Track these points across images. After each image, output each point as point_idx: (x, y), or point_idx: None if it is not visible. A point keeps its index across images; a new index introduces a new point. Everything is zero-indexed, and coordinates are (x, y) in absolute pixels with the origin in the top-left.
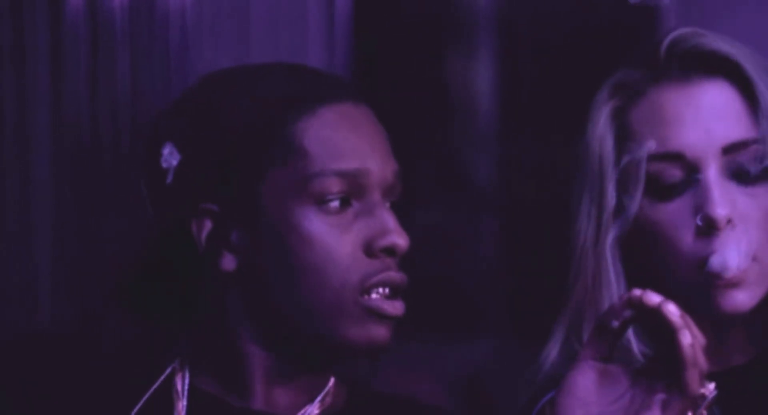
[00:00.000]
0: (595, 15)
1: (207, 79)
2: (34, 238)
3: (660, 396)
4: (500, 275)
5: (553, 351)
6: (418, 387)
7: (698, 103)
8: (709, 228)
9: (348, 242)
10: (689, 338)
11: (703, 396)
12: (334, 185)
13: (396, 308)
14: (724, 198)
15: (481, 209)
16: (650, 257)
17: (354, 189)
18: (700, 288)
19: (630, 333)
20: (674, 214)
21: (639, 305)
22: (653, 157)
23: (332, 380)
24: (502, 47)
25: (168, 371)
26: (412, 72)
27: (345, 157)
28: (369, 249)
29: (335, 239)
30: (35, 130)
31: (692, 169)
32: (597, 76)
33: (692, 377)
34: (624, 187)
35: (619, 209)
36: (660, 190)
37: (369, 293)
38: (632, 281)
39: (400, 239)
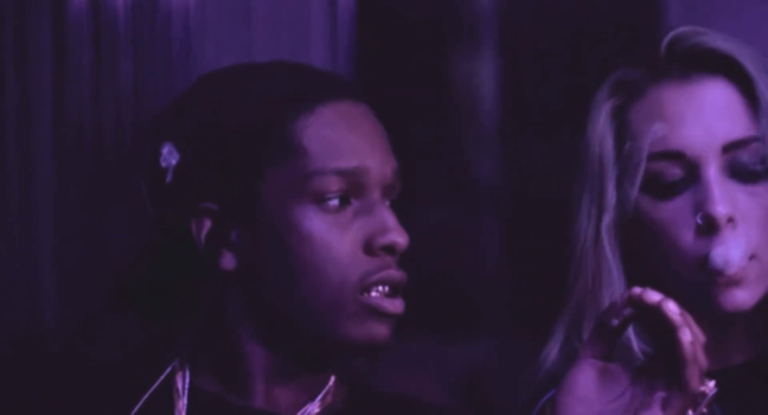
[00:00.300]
0: (597, 15)
1: (206, 79)
2: (37, 237)
3: (660, 394)
4: (502, 274)
5: (553, 350)
6: (419, 386)
7: (698, 102)
8: (709, 227)
9: (347, 240)
10: (689, 335)
11: (704, 394)
12: (334, 184)
13: (396, 306)
14: (724, 196)
15: (484, 208)
16: (650, 255)
17: (353, 187)
18: (700, 287)
19: (630, 331)
20: (674, 212)
21: (639, 303)
22: (653, 156)
23: (333, 379)
24: (504, 47)
25: (168, 370)
26: (415, 71)
27: (344, 155)
28: (369, 247)
29: (335, 237)
30: (38, 129)
31: (692, 168)
32: (599, 76)
33: (692, 374)
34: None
35: (620, 205)
36: (660, 189)
37: (369, 291)
38: (632, 280)
39: (399, 237)
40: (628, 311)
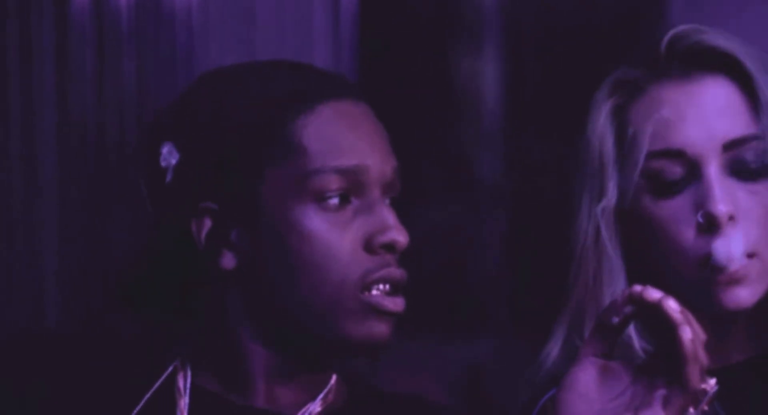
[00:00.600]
0: (599, 13)
1: (205, 78)
2: (40, 237)
3: (661, 392)
4: (504, 273)
5: (554, 349)
6: (419, 386)
7: (699, 100)
8: (710, 225)
9: (348, 238)
10: (690, 333)
11: (704, 392)
12: (334, 182)
13: (396, 304)
14: (725, 195)
15: (486, 207)
16: (651, 254)
17: (353, 186)
18: (701, 285)
19: (631, 329)
20: (675, 211)
21: (639, 301)
22: (654, 154)
23: (334, 378)
24: (507, 46)
25: (170, 369)
26: (418, 70)
27: (344, 154)
28: (369, 246)
29: (335, 236)
30: (41, 129)
31: (693, 166)
32: (602, 75)
33: (693, 372)
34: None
35: (620, 204)
36: (661, 188)
37: (369, 290)
38: (633, 278)
39: (399, 236)
40: (628, 309)
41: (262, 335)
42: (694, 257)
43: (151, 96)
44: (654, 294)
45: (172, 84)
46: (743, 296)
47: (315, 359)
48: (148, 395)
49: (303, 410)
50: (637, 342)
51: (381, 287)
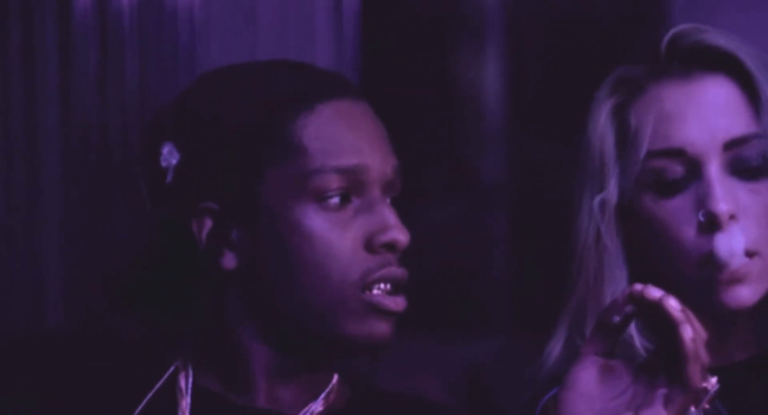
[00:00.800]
0: (601, 13)
1: (205, 78)
2: (42, 237)
3: (662, 391)
4: (507, 272)
5: (555, 348)
6: (420, 385)
7: (699, 100)
8: (711, 224)
9: (348, 238)
10: (690, 332)
11: (705, 390)
12: (334, 182)
13: (398, 303)
14: (726, 194)
15: (489, 206)
16: (652, 253)
17: (353, 185)
18: (702, 284)
19: (632, 328)
20: (676, 210)
21: (640, 300)
22: (655, 154)
23: (335, 378)
24: (509, 45)
25: (171, 369)
26: (420, 70)
27: (344, 153)
28: (370, 245)
29: (335, 235)
30: (44, 128)
31: (694, 166)
32: (603, 74)
33: (694, 371)
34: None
35: (621, 203)
36: (662, 187)
37: (370, 289)
38: (634, 278)
39: (400, 235)
40: (629, 308)
41: (263, 335)
42: (695, 256)
43: (153, 95)
44: (655, 293)
45: (174, 83)
46: (744, 295)
47: (316, 359)
48: (149, 395)
49: (304, 410)
50: (638, 341)
51: (382, 286)
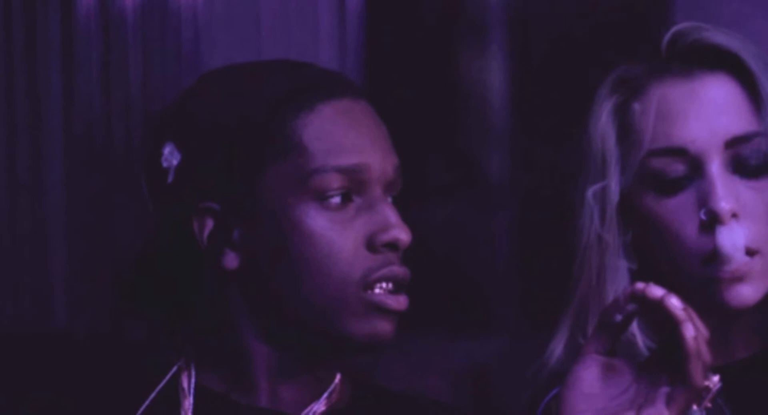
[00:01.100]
0: (606, 12)
1: (205, 79)
2: (47, 238)
3: (664, 389)
4: (512, 271)
5: (558, 347)
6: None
7: (700, 98)
8: (713, 222)
9: (350, 237)
10: (692, 330)
11: (708, 389)
12: (335, 181)
13: (399, 302)
14: (727, 192)
15: (494, 205)
16: (654, 251)
17: (354, 184)
18: (705, 282)
19: (635, 327)
20: (678, 208)
21: (642, 299)
22: (656, 152)
23: (338, 377)
24: (514, 44)
25: (174, 369)
26: (424, 70)
27: (345, 152)
28: (371, 244)
29: (337, 234)
30: (48, 128)
31: (695, 164)
32: (608, 73)
33: (696, 369)
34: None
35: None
36: (663, 185)
37: (372, 288)
38: (636, 276)
39: (402, 234)
40: (631, 307)
41: (265, 335)
42: (697, 255)
43: (156, 96)
44: (656, 291)
45: (177, 83)
46: (746, 293)
47: (318, 358)
48: (152, 395)
49: (307, 409)
50: (640, 339)
51: (384, 285)
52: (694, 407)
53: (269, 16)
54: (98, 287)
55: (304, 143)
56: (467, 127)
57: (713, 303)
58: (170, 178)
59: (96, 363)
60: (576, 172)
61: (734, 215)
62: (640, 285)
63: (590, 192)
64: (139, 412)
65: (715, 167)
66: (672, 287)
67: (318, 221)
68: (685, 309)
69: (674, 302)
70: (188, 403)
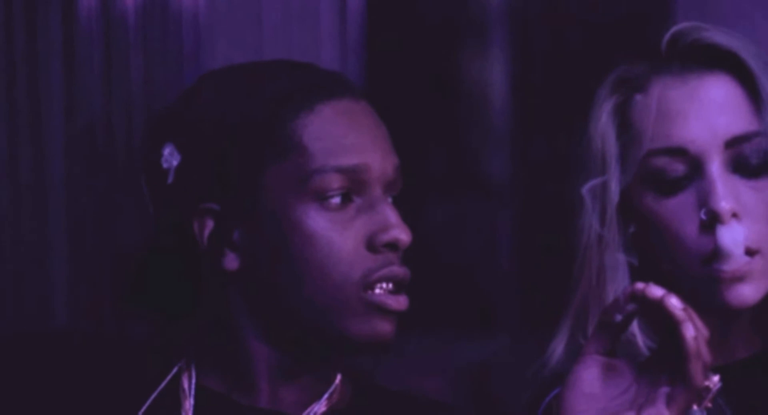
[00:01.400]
0: (606, 13)
1: (205, 79)
2: (49, 238)
3: (664, 389)
4: (514, 271)
5: (558, 347)
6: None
7: (700, 98)
8: (713, 222)
9: (350, 237)
10: (692, 330)
11: (708, 389)
12: (335, 181)
13: (400, 302)
14: (727, 191)
15: (495, 204)
16: (655, 251)
17: (355, 185)
18: (705, 282)
19: (635, 327)
20: (678, 208)
21: (642, 299)
22: (656, 152)
23: (339, 378)
24: (515, 45)
25: (175, 370)
26: (425, 71)
27: (345, 153)
28: (371, 244)
29: (337, 235)
30: (49, 130)
31: (695, 164)
32: (609, 70)
33: (696, 369)
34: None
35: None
36: (664, 185)
37: (372, 289)
38: (636, 276)
39: (402, 234)
40: (631, 307)
41: (266, 335)
42: (697, 255)
43: (158, 97)
44: (656, 291)
45: (178, 84)
46: (746, 293)
47: (319, 359)
48: (153, 396)
49: (308, 410)
50: (640, 339)
51: (384, 285)
52: (695, 407)
53: (270, 17)
54: (99, 287)
55: (304, 143)
56: (468, 127)
57: (713, 303)
58: (170, 179)
59: (97, 364)
60: (576, 171)
61: (734, 215)
62: (639, 285)
63: (589, 191)
64: (140, 412)
65: (715, 167)
66: (672, 287)
67: (318, 221)
68: (684, 309)
69: (674, 302)
70: (189, 403)
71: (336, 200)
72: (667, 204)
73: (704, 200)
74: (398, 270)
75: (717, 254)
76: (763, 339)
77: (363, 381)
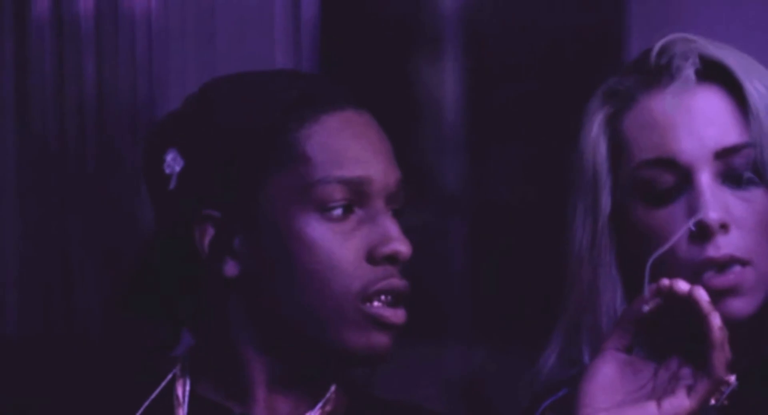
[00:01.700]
0: (561, 20)
1: (210, 86)
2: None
3: (685, 381)
4: (467, 279)
5: (550, 359)
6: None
7: (690, 109)
8: (702, 233)
9: (350, 249)
10: (720, 320)
11: (727, 383)
12: (337, 192)
13: (398, 316)
14: (717, 202)
15: (449, 214)
16: (646, 262)
17: (357, 196)
18: None
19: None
20: (668, 219)
21: (668, 293)
22: (646, 163)
23: (333, 387)
24: (469, 53)
25: (169, 377)
26: (379, 77)
27: (348, 164)
28: (371, 256)
29: (338, 245)
30: (1, 138)
31: (685, 175)
32: (563, 82)
33: (720, 359)
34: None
35: (616, 215)
36: (653, 196)
37: (371, 301)
38: (628, 288)
39: (402, 247)
40: (656, 302)
41: (262, 344)
42: (687, 266)
43: (111, 103)
44: (683, 285)
45: (132, 90)
46: (737, 306)
47: (315, 369)
48: (146, 403)
49: None
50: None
51: (383, 297)
52: (712, 401)
53: (224, 24)
54: (50, 291)
55: (307, 154)
56: (422, 136)
57: None
58: (172, 185)
59: (91, 370)
60: (568, 183)
61: (723, 226)
62: (665, 281)
63: (581, 204)
64: None
65: (705, 178)
66: None
67: (319, 232)
68: (710, 302)
69: (702, 294)
70: (182, 412)
71: (338, 211)
72: (657, 215)
73: (693, 211)
74: (398, 283)
75: (707, 265)
76: (757, 351)
77: (358, 391)
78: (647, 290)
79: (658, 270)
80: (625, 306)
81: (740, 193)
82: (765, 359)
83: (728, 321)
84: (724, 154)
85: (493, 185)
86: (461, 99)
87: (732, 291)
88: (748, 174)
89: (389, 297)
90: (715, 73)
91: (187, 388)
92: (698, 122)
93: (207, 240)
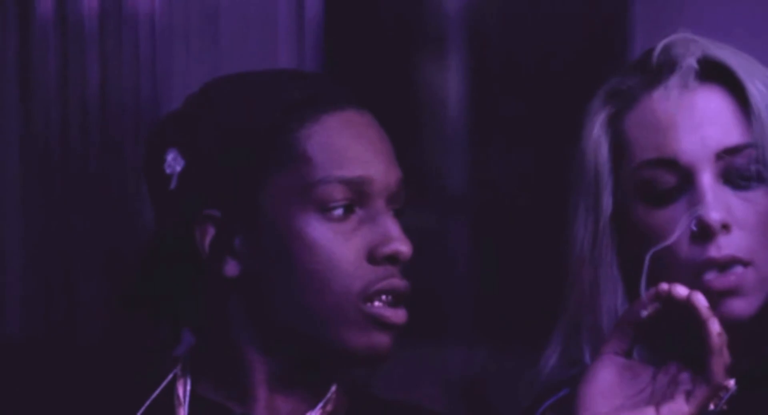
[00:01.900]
0: (564, 21)
1: (210, 86)
2: (4, 241)
3: (684, 386)
4: (468, 279)
5: (552, 357)
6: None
7: (691, 109)
8: (704, 233)
9: (351, 249)
10: (718, 326)
11: (726, 388)
12: (338, 192)
13: (398, 316)
14: (718, 203)
15: (451, 214)
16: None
17: (358, 196)
18: None
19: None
20: (669, 220)
21: (667, 298)
22: (647, 164)
23: (334, 387)
24: (472, 54)
25: (170, 377)
26: (383, 78)
27: (349, 164)
28: (372, 256)
29: (338, 245)
30: (4, 136)
31: (686, 175)
32: (565, 83)
33: (718, 364)
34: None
35: (617, 215)
36: (655, 197)
37: (372, 301)
38: (629, 288)
39: (403, 247)
40: (654, 306)
41: (263, 344)
42: (689, 266)
43: (114, 102)
44: (682, 290)
45: (135, 90)
46: (738, 307)
47: (316, 369)
48: (147, 403)
49: None
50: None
51: (383, 297)
52: (711, 406)
53: (228, 23)
54: (52, 291)
55: (308, 154)
56: (424, 138)
57: None
58: (173, 185)
59: (91, 370)
60: (569, 183)
61: (725, 227)
62: (664, 285)
63: (583, 204)
64: None
65: (706, 178)
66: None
67: (320, 232)
68: (709, 308)
69: (701, 300)
70: (183, 412)
71: (338, 211)
72: (658, 215)
73: (695, 212)
74: (398, 283)
75: (709, 265)
76: (758, 352)
77: (358, 391)
78: (645, 294)
79: (659, 270)
80: (626, 306)
81: (742, 194)
82: (765, 360)
83: (729, 322)
84: (725, 155)
85: (494, 185)
86: (464, 99)
87: (733, 292)
88: (749, 174)
89: (390, 297)
90: (716, 74)
91: (188, 388)
92: (700, 122)
93: (207, 240)
